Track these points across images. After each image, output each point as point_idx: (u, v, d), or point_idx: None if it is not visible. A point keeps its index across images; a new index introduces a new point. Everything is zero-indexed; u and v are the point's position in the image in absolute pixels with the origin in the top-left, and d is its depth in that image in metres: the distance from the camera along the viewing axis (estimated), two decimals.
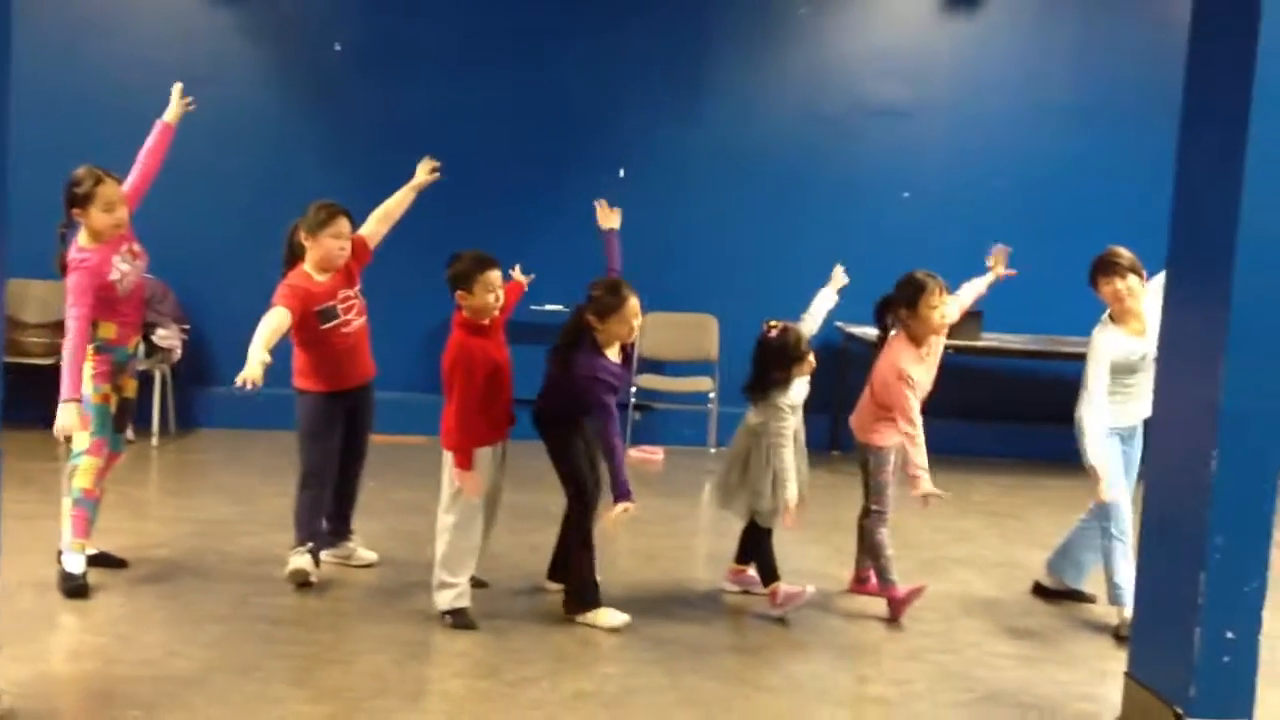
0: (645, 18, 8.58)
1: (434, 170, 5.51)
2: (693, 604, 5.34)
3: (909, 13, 8.77)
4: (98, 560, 5.22)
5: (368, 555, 5.55)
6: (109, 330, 5.02)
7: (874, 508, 5.27)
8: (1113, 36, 8.72)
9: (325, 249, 5.05)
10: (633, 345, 5.14)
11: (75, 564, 5.00)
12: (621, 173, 8.58)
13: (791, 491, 5.04)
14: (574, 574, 4.98)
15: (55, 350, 7.74)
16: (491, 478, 4.93)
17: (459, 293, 4.76)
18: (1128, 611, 4.95)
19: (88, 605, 4.87)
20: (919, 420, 5.06)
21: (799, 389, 5.21)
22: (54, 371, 7.58)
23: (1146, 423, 4.61)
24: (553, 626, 4.90)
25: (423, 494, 6.35)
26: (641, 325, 5.04)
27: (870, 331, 8.07)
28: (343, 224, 5.10)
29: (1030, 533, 6.83)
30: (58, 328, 7.79)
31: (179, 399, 8.21)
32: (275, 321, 4.87)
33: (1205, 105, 3.95)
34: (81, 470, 5.02)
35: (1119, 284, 5.13)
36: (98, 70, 8.27)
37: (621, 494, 4.73)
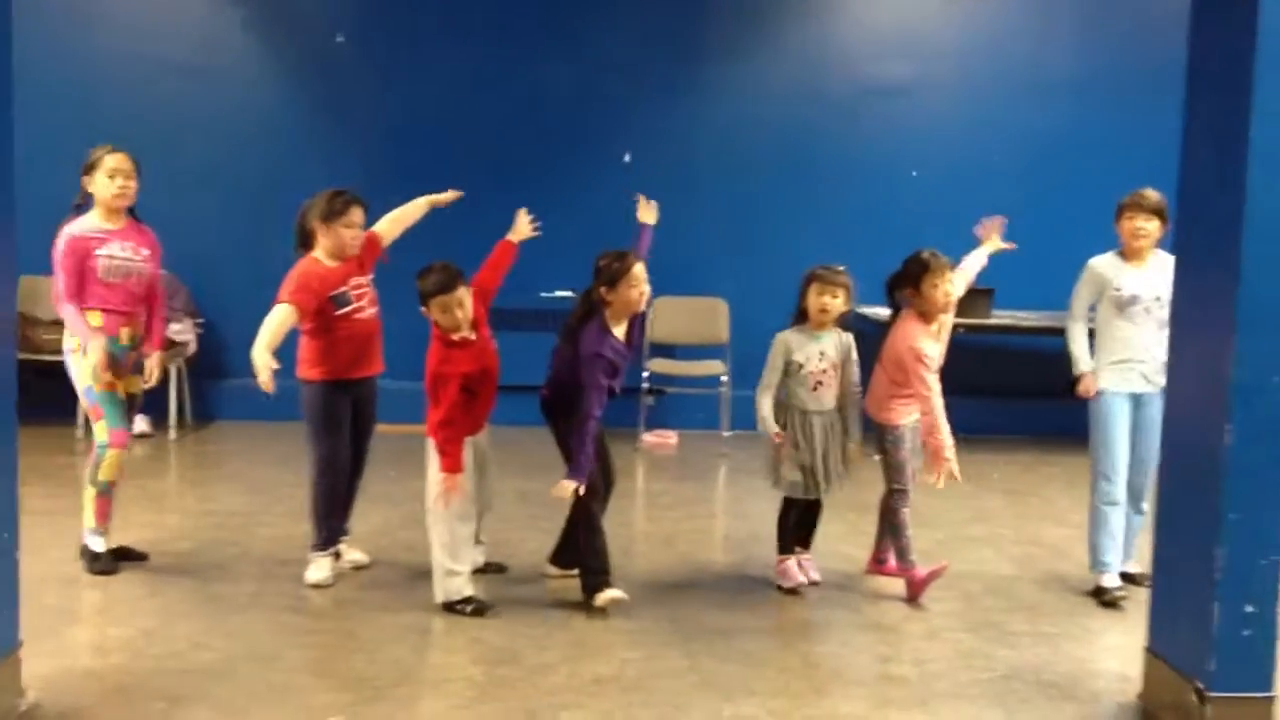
0: (646, 1, 8.58)
1: (457, 196, 5.42)
2: (711, 587, 5.36)
3: None
4: (119, 555, 5.26)
5: (358, 557, 5.42)
6: (95, 318, 5.09)
7: (895, 486, 5.27)
8: (1115, 8, 8.68)
9: (338, 238, 5.06)
10: (641, 328, 5.15)
11: (98, 544, 5.15)
12: (627, 158, 8.58)
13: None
14: (584, 558, 5.00)
15: None
16: (477, 465, 4.95)
17: (422, 309, 4.80)
18: (1105, 581, 5.23)
19: (110, 599, 4.91)
20: (939, 396, 5.06)
21: None
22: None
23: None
24: (571, 612, 4.92)
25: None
26: (650, 299, 5.05)
27: (882, 311, 8.07)
28: (357, 214, 5.09)
29: (1049, 510, 6.83)
30: None
31: (194, 392, 8.25)
32: (278, 320, 4.88)
33: (1209, 76, 3.93)
34: (106, 463, 5.11)
35: (1138, 221, 5.23)
36: (100, 65, 8.28)
37: (576, 473, 4.75)
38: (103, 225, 5.15)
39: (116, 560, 5.24)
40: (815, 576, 5.40)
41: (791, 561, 5.33)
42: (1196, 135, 4.00)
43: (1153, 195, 5.24)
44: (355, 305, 5.10)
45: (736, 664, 4.46)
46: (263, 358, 4.69)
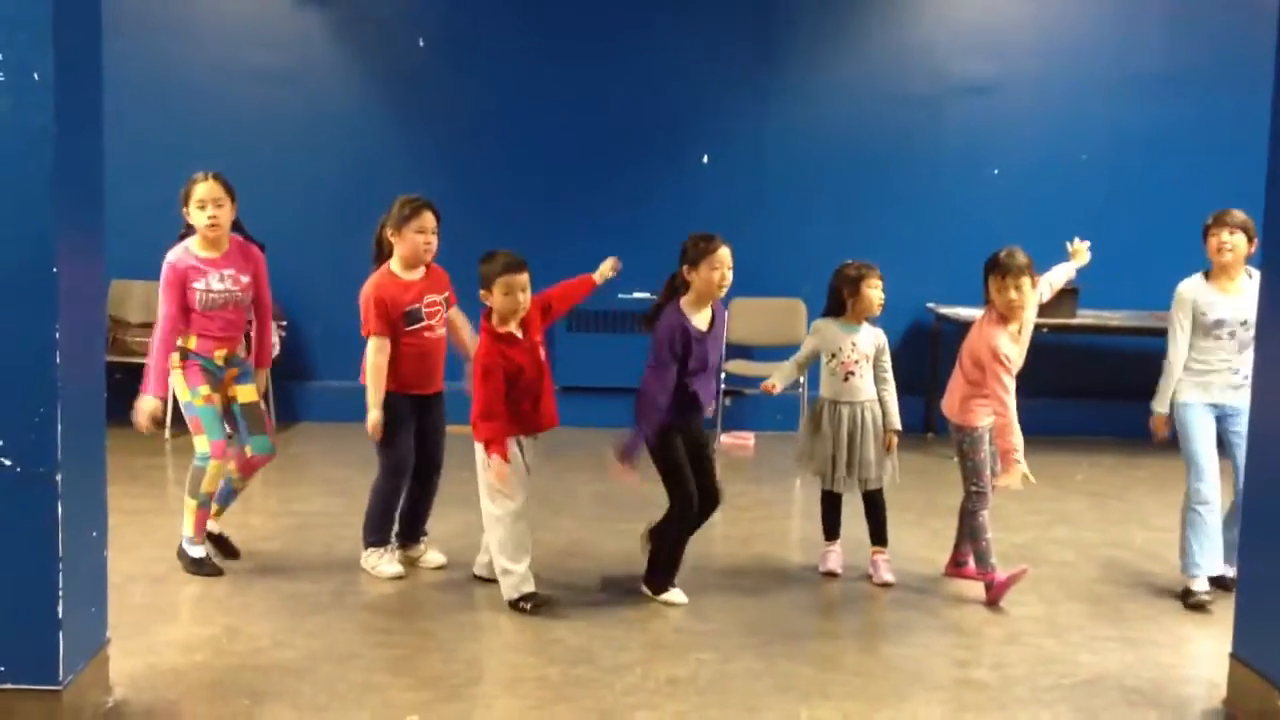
0: (722, 3, 8.56)
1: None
2: (787, 588, 5.33)
3: None
4: (216, 541, 5.39)
5: (437, 558, 5.46)
6: (189, 341, 5.13)
7: (974, 489, 5.20)
8: (1203, 3, 8.48)
9: (411, 244, 5.11)
10: (722, 319, 5.12)
11: (197, 552, 5.24)
12: (705, 159, 8.57)
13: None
14: (659, 554, 5.04)
15: None
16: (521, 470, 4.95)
17: (482, 292, 4.83)
18: (1194, 584, 5.14)
19: (196, 598, 5.01)
20: (1013, 400, 4.99)
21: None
22: None
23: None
24: (646, 613, 4.93)
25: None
26: (726, 299, 5.04)
27: (961, 311, 8.00)
28: (427, 218, 5.13)
29: (1133, 513, 6.70)
30: None
31: (279, 394, 8.38)
32: (376, 363, 5.10)
33: None
34: (207, 475, 5.13)
35: (1223, 236, 5.17)
36: (189, 72, 8.45)
37: (624, 453, 4.80)
38: (201, 255, 5.11)
39: (217, 547, 5.35)
40: (888, 577, 5.35)
41: (830, 548, 5.50)
42: None
43: (1237, 213, 5.19)
44: (426, 323, 5.16)
45: (812, 666, 4.43)
46: (375, 413, 5.10)
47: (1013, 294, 5.04)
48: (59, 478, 3.54)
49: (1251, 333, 4.56)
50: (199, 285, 5.08)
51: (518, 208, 8.38)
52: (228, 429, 5.22)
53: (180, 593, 5.06)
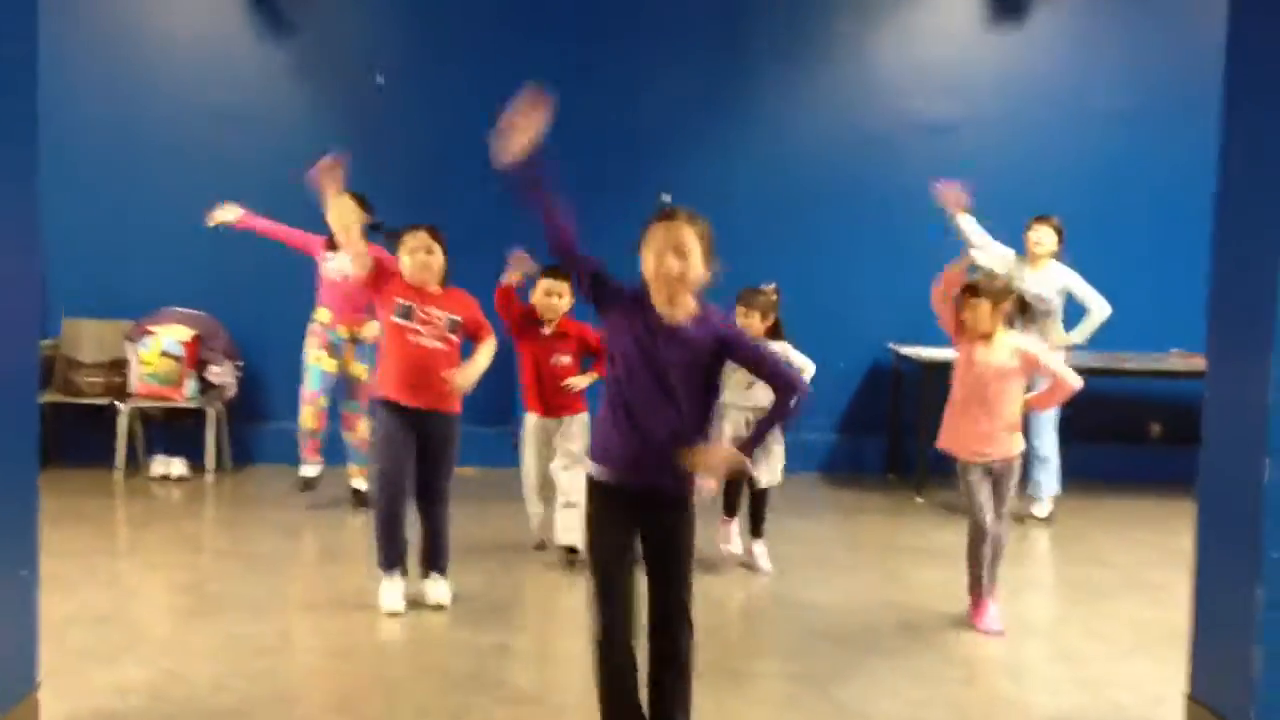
0: (685, 39, 8.57)
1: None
2: (736, 624, 5.24)
3: (953, 27, 8.68)
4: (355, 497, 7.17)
5: (438, 594, 5.34)
6: (324, 314, 6.99)
7: (973, 519, 5.28)
8: (1158, 40, 8.55)
9: (404, 265, 5.22)
10: (715, 333, 3.52)
11: (309, 470, 7.20)
12: (667, 197, 8.54)
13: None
14: None
15: (111, 390, 7.91)
16: (539, 449, 5.96)
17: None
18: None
19: (136, 639, 4.88)
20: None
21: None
22: (109, 411, 7.77)
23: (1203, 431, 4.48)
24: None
25: (475, 528, 6.35)
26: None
27: (922, 352, 8.00)
28: (419, 237, 5.22)
29: (1091, 552, 6.67)
30: (113, 366, 7.96)
31: (234, 435, 8.28)
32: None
33: (1246, 101, 3.85)
34: (300, 417, 7.09)
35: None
36: (145, 109, 8.39)
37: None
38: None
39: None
40: (765, 565, 5.98)
41: (728, 523, 6.13)
42: (1232, 159, 3.92)
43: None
44: (413, 326, 5.16)
45: (764, 708, 4.35)
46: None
47: (966, 313, 5.17)
48: None
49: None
50: (330, 264, 7.10)
51: (479, 244, 8.29)
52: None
53: (121, 635, 4.93)
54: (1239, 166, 3.90)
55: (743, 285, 8.59)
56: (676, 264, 3.44)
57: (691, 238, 3.49)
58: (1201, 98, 7.10)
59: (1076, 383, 5.24)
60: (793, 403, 3.53)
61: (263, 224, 7.14)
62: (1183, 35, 8.42)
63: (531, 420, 6.02)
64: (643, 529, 3.51)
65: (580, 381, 5.92)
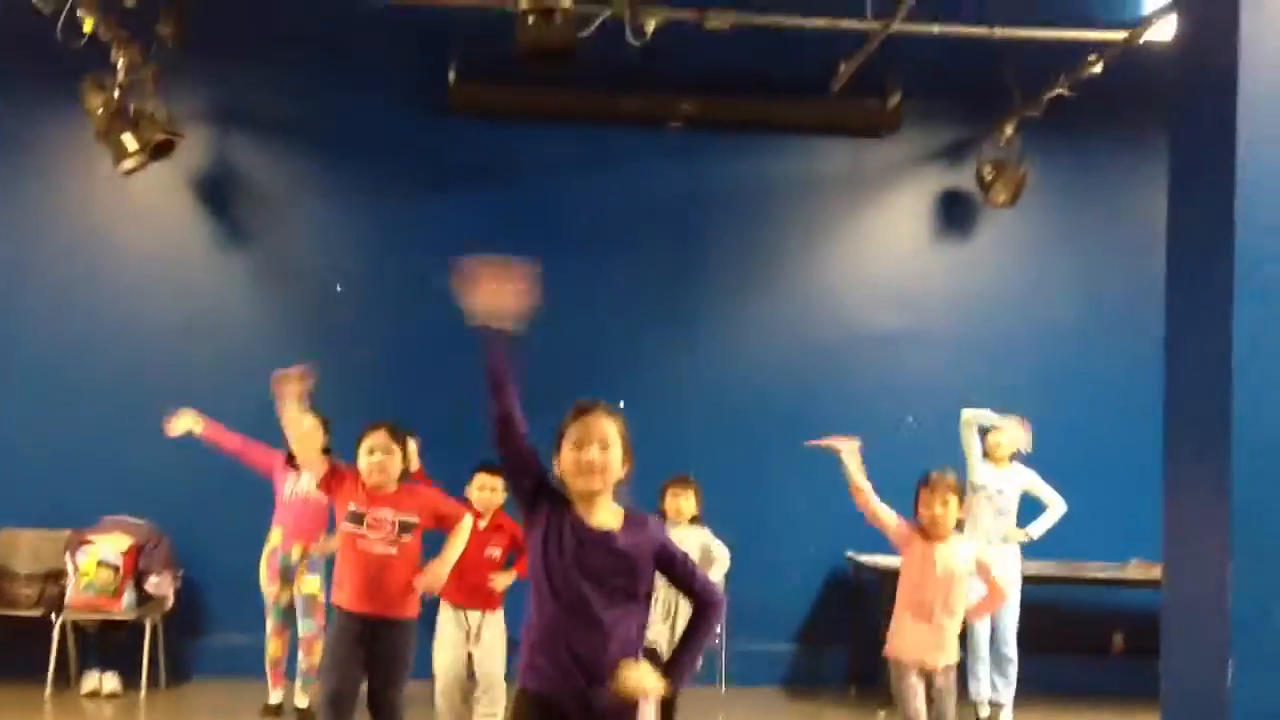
0: (633, 251, 8.67)
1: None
2: None
3: (901, 243, 8.91)
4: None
5: None
6: (275, 536, 6.88)
7: None
8: (1104, 250, 8.79)
9: (361, 465, 5.11)
10: (652, 539, 3.42)
11: (274, 696, 7.09)
12: (620, 404, 8.52)
13: None
14: None
15: (46, 601, 7.61)
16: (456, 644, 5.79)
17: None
18: None
19: None
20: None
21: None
22: (45, 623, 7.46)
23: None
24: None
25: None
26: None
27: (881, 560, 7.93)
28: (375, 437, 5.12)
29: None
30: (49, 577, 7.70)
31: (170, 648, 7.95)
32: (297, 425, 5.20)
33: (1187, 305, 4.07)
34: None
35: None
36: (93, 321, 8.32)
37: None
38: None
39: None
40: None
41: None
42: (1177, 365, 4.08)
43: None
44: (361, 532, 5.04)
45: None
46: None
47: (937, 508, 5.07)
48: None
49: None
50: (287, 486, 6.98)
51: (441, 444, 8.19)
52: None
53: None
54: (1180, 373, 4.03)
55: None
56: (600, 455, 3.33)
57: (613, 430, 3.39)
58: (1152, 306, 7.29)
59: (1008, 593, 5.23)
60: (715, 620, 3.48)
61: (226, 437, 6.81)
62: (1130, 266, 8.59)
63: (447, 614, 5.86)
64: None
65: (504, 579, 5.84)
